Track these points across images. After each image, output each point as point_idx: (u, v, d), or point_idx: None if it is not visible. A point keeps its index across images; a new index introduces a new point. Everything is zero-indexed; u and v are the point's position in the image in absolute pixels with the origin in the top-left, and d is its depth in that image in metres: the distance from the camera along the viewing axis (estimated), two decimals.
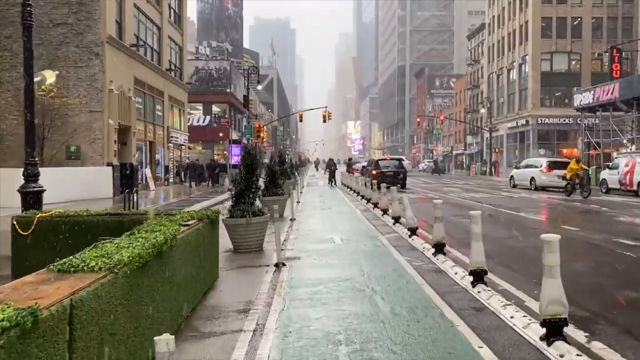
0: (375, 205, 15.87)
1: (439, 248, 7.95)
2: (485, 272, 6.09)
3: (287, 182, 23.26)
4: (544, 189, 26.74)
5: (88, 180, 20.43)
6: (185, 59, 36.15)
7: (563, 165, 27.11)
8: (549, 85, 52.69)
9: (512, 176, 30.65)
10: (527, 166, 29.20)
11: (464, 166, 71.09)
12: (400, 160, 30.88)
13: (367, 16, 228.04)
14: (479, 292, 5.86)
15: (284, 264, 7.86)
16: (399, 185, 26.78)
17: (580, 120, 50.26)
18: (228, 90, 53.53)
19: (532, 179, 27.38)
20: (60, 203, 18.15)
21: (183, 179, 33.70)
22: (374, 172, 27.39)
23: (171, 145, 31.78)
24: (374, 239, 10.33)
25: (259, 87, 43.37)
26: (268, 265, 7.96)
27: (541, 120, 51.83)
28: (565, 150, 51.68)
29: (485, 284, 6.08)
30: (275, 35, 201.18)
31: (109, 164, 21.87)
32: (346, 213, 16.01)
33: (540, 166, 27.37)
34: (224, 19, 76.45)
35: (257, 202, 9.94)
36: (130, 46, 24.40)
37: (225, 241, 9.66)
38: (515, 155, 57.05)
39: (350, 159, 53.09)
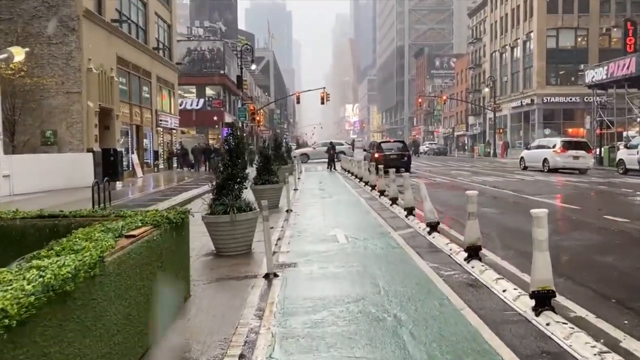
0: (382, 193, 14.15)
1: (474, 252, 6.24)
2: (553, 294, 4.38)
3: (283, 168, 21.54)
4: (557, 170, 25.04)
5: (66, 168, 18.66)
6: (175, 38, 34.15)
7: (578, 145, 25.45)
8: (555, 62, 50.71)
9: (522, 157, 28.89)
10: (538, 147, 27.44)
11: (466, 148, 69.29)
12: (403, 142, 29.07)
13: None
14: (547, 324, 4.15)
15: (275, 275, 6.17)
16: (404, 169, 25.15)
17: (588, 98, 48.98)
18: (222, 72, 51.44)
19: (545, 160, 25.64)
20: (32, 194, 16.47)
21: (176, 165, 32.07)
22: (376, 155, 25.65)
23: (160, 129, 29.95)
24: (386, 237, 8.62)
25: (253, 67, 41.41)
26: (256, 276, 6.26)
27: (547, 99, 49.95)
28: (570, 130, 49.93)
29: (554, 311, 4.38)
30: (271, 19, 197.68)
31: (89, 150, 20.08)
32: (349, 202, 14.29)
33: (554, 146, 25.60)
34: (217, 0, 73.92)
35: (245, 195, 8.22)
36: (112, 22, 22.44)
37: (206, 240, 7.97)
38: (520, 135, 55.26)
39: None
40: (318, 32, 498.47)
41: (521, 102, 53.31)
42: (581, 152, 24.73)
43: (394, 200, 12.26)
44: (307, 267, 6.68)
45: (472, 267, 6.04)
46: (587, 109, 48.35)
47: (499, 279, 5.43)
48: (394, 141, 30.60)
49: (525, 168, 27.93)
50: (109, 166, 22.14)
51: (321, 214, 11.86)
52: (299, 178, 22.47)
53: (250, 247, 7.88)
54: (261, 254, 7.07)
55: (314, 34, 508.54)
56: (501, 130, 55.47)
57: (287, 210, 12.44)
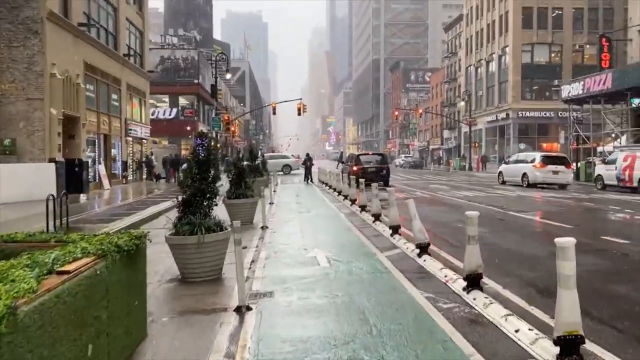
0: (363, 208, 13.41)
1: (475, 281, 5.51)
2: (582, 340, 3.65)
3: (259, 181, 20.68)
4: (535, 185, 24.76)
5: (25, 179, 17.41)
6: (147, 44, 33.05)
7: (557, 160, 25.24)
8: (530, 77, 51.23)
9: (500, 172, 28.62)
10: (517, 161, 27.18)
11: (442, 161, 69.41)
12: (382, 155, 28.48)
13: (341, 11, 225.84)
14: None
15: (249, 308, 5.32)
16: (382, 183, 24.52)
17: (563, 114, 49.44)
18: (196, 81, 50.32)
19: (525, 175, 25.36)
20: None
21: (146, 176, 30.86)
22: (354, 168, 24.99)
23: (130, 139, 28.74)
24: (371, 259, 7.85)
25: (228, 76, 40.47)
26: (226, 309, 5.40)
27: (522, 113, 50.32)
28: (545, 145, 50.34)
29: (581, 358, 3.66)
30: (248, 29, 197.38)
31: (51, 160, 18.87)
32: (329, 217, 13.50)
33: (533, 161, 25.36)
34: (192, 7, 72.85)
35: (216, 211, 7.37)
36: (79, 25, 21.34)
37: (171, 263, 7.08)
38: (495, 149, 55.51)
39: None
40: (294, 44, 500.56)
41: (496, 116, 53.60)
42: (561, 167, 24.53)
43: (376, 217, 11.52)
44: (285, 296, 5.84)
45: (474, 299, 5.29)
46: (562, 124, 48.87)
47: (508, 315, 4.69)
48: (373, 154, 29.99)
49: (503, 183, 27.63)
50: (74, 177, 20.94)
51: (299, 231, 11.04)
52: (274, 191, 21.64)
53: (221, 272, 7.01)
54: (233, 279, 6.21)
55: (291, 46, 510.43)
56: (477, 144, 55.60)
57: (262, 227, 11.60)
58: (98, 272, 3.55)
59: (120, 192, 22.75)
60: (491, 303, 5.06)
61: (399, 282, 6.35)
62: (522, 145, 51.10)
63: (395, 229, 9.48)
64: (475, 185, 26.64)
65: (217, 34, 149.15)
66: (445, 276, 6.28)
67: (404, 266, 7.19)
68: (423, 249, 7.55)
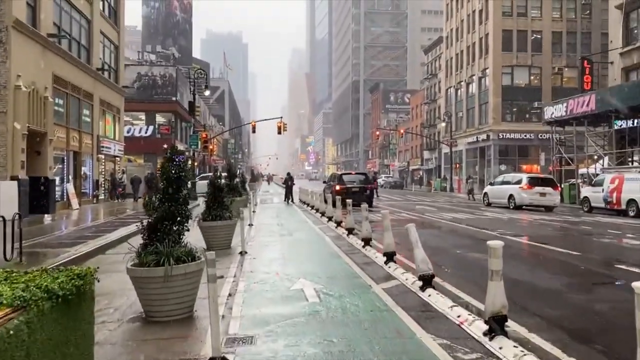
0: (350, 231, 12.45)
1: (499, 325, 4.56)
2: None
3: (237, 200, 19.63)
4: (521, 207, 24.16)
5: None
6: (122, 59, 31.93)
7: (544, 182, 24.72)
8: (510, 99, 51.36)
9: (485, 193, 28.02)
10: (503, 182, 26.61)
11: (422, 182, 69.05)
12: (366, 175, 27.65)
13: (320, 33, 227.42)
14: None
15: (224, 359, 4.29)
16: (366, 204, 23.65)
17: (543, 136, 49.58)
18: (174, 98, 49.21)
19: (511, 196, 24.77)
20: None
21: (117, 196, 29.52)
22: (337, 187, 24.09)
23: (102, 156, 27.41)
24: (367, 292, 6.87)
25: (207, 93, 39.48)
26: None
27: (502, 135, 50.28)
28: (525, 166, 50.32)
29: None
30: (228, 50, 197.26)
31: (13, 178, 17.50)
32: (313, 242, 12.49)
33: (519, 182, 24.80)
34: (171, 25, 71.90)
35: (188, 237, 6.34)
36: (48, 36, 20.21)
37: (135, 297, 6.01)
38: (476, 170, 55.35)
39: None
40: (274, 65, 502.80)
41: (477, 137, 53.53)
42: (548, 189, 24.01)
43: (366, 241, 10.56)
44: (270, 343, 4.81)
45: (501, 349, 4.34)
46: (542, 145, 48.98)
47: None
48: (356, 173, 29.17)
49: (489, 204, 27.02)
50: (39, 197, 19.56)
51: (282, 258, 10.01)
52: (254, 211, 20.59)
53: (192, 310, 5.95)
54: (206, 319, 5.17)
55: (270, 67, 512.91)
56: (458, 165, 55.35)
57: (241, 252, 10.54)
58: (11, 332, 2.52)
59: (90, 213, 21.40)
60: (524, 354, 4.12)
61: (404, 323, 5.37)
62: (503, 167, 51.01)
63: (389, 256, 8.54)
64: (461, 207, 25.94)
65: (197, 54, 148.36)
66: (459, 316, 5.33)
67: (406, 302, 6.22)
68: (426, 281, 6.61)
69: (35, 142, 19.71)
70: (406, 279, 7.28)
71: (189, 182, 5.97)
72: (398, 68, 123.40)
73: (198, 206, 19.83)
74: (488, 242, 4.66)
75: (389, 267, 8.28)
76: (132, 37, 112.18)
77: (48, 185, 19.78)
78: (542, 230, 15.19)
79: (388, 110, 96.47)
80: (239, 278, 8.05)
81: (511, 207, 24.62)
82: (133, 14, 75.34)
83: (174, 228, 6.10)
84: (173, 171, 6.23)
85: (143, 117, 48.57)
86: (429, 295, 6.30)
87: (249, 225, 16.16)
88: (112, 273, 8.15)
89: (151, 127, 47.53)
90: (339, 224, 14.37)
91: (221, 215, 11.50)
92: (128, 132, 47.26)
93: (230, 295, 6.87)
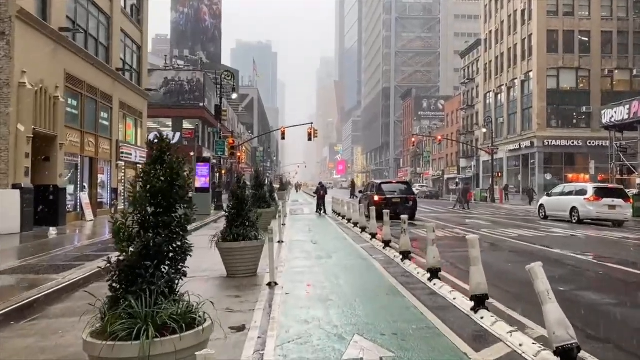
0: (406, 256, 9.92)
1: None
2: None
3: (266, 213, 17.35)
4: (582, 222, 21.16)
5: None
6: (146, 61, 30.18)
7: (613, 193, 21.64)
8: (556, 104, 48.04)
9: (541, 205, 25.03)
10: (563, 193, 23.62)
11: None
12: (408, 184, 24.98)
13: (349, 41, 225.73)
14: None
15: None
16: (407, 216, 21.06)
17: (592, 142, 46.09)
18: (201, 104, 47.57)
19: (574, 209, 21.79)
20: None
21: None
22: (376, 198, 21.57)
23: (122, 163, 25.51)
24: None
25: (234, 96, 37.55)
26: None
27: (547, 142, 46.90)
28: (571, 175, 46.83)
29: None
30: (257, 59, 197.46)
31: (15, 186, 15.60)
32: (359, 268, 9.98)
33: (584, 193, 21.82)
34: (200, 31, 70.74)
35: (202, 265, 3.97)
36: (60, 30, 18.35)
37: None
38: (518, 180, 52.00)
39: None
40: (303, 74, 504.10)
41: (519, 144, 50.26)
42: (618, 201, 20.96)
43: (433, 272, 8.00)
44: None
45: None
46: (592, 153, 45.49)
47: None
48: (397, 182, 26.56)
49: (545, 217, 24.06)
50: (47, 207, 17.68)
51: (323, 294, 7.56)
52: (283, 224, 18.20)
53: None
54: None
55: (299, 76, 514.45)
56: (499, 174, 52.10)
57: (269, 284, 8.15)
58: None
59: (103, 225, 19.37)
60: None
61: None
62: (548, 176, 47.66)
63: (479, 301, 5.99)
64: (514, 221, 23.05)
65: (226, 63, 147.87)
66: None
67: None
68: (567, 354, 4.05)
69: (43, 146, 17.81)
70: (522, 349, 4.70)
71: (189, 194, 3.47)
72: (430, 74, 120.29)
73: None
74: None
75: (482, 319, 5.73)
76: (163, 46, 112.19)
77: (57, 195, 17.86)
78: (636, 252, 12.35)
79: (421, 117, 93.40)
80: (267, 330, 5.64)
81: (574, 221, 21.66)
82: (164, 22, 74.65)
83: (162, 271, 3.73)
84: (162, 178, 3.86)
85: (170, 123, 47.04)
86: None
87: (279, 242, 13.79)
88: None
89: (178, 134, 45.88)
90: (387, 243, 11.85)
91: (245, 234, 9.16)
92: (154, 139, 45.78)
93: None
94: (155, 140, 3.98)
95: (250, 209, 9.56)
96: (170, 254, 3.79)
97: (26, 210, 15.86)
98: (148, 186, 3.79)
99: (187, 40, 68.57)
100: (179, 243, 3.85)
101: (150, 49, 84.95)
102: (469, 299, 6.32)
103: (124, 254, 3.71)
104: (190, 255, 4.01)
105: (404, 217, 9.99)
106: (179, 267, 3.83)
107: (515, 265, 10.11)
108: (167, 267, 3.80)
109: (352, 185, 54.78)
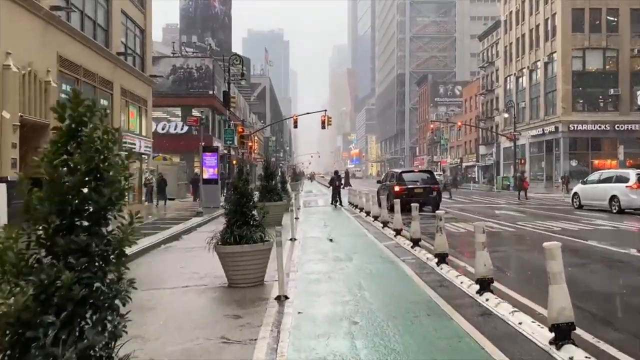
0: (442, 259, 8.24)
1: None
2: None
3: (276, 206, 15.79)
4: (624, 212, 19.26)
5: None
6: (150, 46, 28.62)
7: None
8: (582, 86, 45.68)
9: (575, 193, 23.12)
10: (600, 180, 21.69)
11: (477, 180, 63.66)
12: (430, 172, 23.16)
13: (362, 28, 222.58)
14: None
15: None
16: (431, 207, 19.38)
17: (620, 127, 43.78)
18: (210, 92, 45.96)
19: (614, 198, 19.88)
20: None
21: (145, 198, 26.43)
22: (397, 188, 19.87)
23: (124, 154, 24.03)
24: None
25: (244, 82, 35.89)
26: None
27: (573, 126, 44.64)
28: (597, 161, 44.61)
29: None
30: (269, 48, 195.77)
31: (1, 180, 14.15)
32: (387, 275, 8.32)
33: (625, 180, 19.90)
34: (209, 17, 68.98)
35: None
36: (51, 9, 16.80)
37: None
38: (541, 167, 49.84)
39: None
40: (315, 62, 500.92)
41: (543, 129, 48.02)
42: None
43: (485, 285, 6.31)
44: None
45: None
46: (620, 137, 43.24)
47: None
48: (419, 171, 24.79)
49: (580, 207, 22.17)
50: None
51: (345, 314, 5.93)
52: (296, 218, 16.60)
53: None
54: None
55: (311, 65, 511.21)
56: (522, 161, 49.96)
57: (278, 298, 6.56)
58: None
59: None
60: None
61: None
62: (574, 162, 45.49)
63: (563, 333, 4.31)
64: (552, 212, 21.20)
65: (238, 51, 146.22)
66: None
67: None
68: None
69: (33, 135, 16.36)
70: None
71: (127, 195, 1.79)
72: (446, 59, 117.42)
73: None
74: None
75: (557, 349, 4.06)
76: (172, 35, 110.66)
77: None
78: None
79: (437, 103, 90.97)
80: None
81: (614, 210, 19.75)
82: (175, 10, 73.00)
83: (77, 330, 2.12)
84: (78, 166, 2.24)
85: (179, 112, 45.54)
86: None
87: (291, 240, 12.22)
88: None
89: (191, 126, 44.33)
90: (416, 242, 10.17)
91: (248, 235, 7.55)
92: (163, 129, 44.35)
93: None
94: (66, 103, 2.36)
95: (254, 204, 7.95)
96: (91, 300, 2.17)
97: (14, 205, 14.44)
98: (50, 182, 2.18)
99: (196, 28, 66.90)
100: (108, 280, 2.23)
101: (160, 39, 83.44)
102: (541, 324, 4.66)
103: (9, 300, 2.10)
104: (129, 302, 2.39)
105: (440, 212, 8.33)
106: (107, 321, 2.21)
107: (582, 270, 8.35)
108: (89, 321, 2.19)
109: (347, 175, 51.35)
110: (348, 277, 8.08)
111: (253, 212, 7.87)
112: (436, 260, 8.34)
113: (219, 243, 7.66)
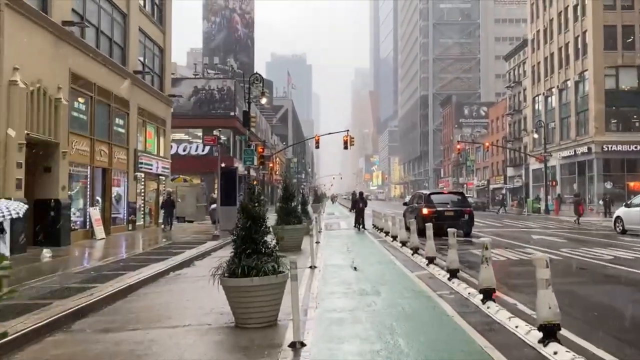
0: (488, 296, 6.92)
1: None
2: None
3: (294, 230, 14.67)
4: None
5: None
6: (169, 65, 28.09)
7: None
8: (615, 105, 43.77)
9: (618, 217, 21.45)
10: None
11: (505, 202, 61.53)
12: (462, 195, 21.78)
13: (385, 50, 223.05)
14: None
15: None
16: (463, 232, 17.97)
17: None
18: (232, 113, 45.44)
19: None
20: None
21: (162, 221, 25.53)
22: (425, 210, 18.54)
23: (141, 174, 23.28)
24: None
25: (264, 101, 35.07)
26: None
27: (607, 147, 42.65)
28: (632, 184, 42.49)
29: None
30: (292, 72, 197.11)
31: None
32: (426, 317, 6.99)
33: None
34: (232, 40, 69.18)
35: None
36: (63, 24, 16.21)
37: None
38: (573, 189, 47.73)
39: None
40: (337, 85, 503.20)
41: (574, 150, 46.06)
42: None
43: (550, 332, 5.00)
44: None
45: None
46: None
47: None
48: (449, 192, 23.43)
49: (624, 232, 20.49)
50: (48, 225, 15.50)
51: None
52: (317, 242, 15.38)
53: None
54: None
55: (334, 88, 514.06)
56: (554, 183, 48.00)
57: (292, 344, 5.35)
58: None
59: (115, 245, 17.02)
60: None
61: None
62: (609, 184, 43.36)
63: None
64: (593, 237, 19.58)
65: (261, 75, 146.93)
66: None
67: None
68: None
69: (42, 155, 15.63)
70: None
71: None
72: (470, 81, 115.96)
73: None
74: None
75: None
76: (198, 58, 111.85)
77: (59, 210, 15.65)
78: None
79: (462, 124, 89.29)
80: None
81: None
82: (199, 35, 73.43)
83: None
84: None
85: (200, 134, 45.06)
86: None
87: (310, 267, 11.02)
88: None
89: (208, 147, 43.79)
90: (453, 273, 8.87)
91: (259, 266, 6.39)
92: (184, 150, 43.94)
93: None
94: None
95: (266, 229, 6.80)
96: None
97: (17, 228, 13.59)
98: None
99: (219, 51, 67.08)
100: None
101: (185, 63, 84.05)
102: None
103: None
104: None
105: (486, 239, 7.02)
106: None
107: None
108: None
109: (357, 196, 49.10)
110: (377, 316, 6.82)
111: (266, 240, 6.72)
112: (481, 296, 7.03)
113: (225, 274, 6.52)
